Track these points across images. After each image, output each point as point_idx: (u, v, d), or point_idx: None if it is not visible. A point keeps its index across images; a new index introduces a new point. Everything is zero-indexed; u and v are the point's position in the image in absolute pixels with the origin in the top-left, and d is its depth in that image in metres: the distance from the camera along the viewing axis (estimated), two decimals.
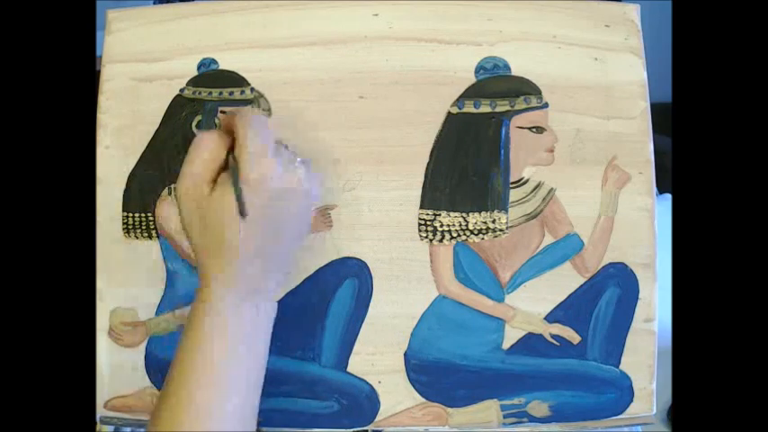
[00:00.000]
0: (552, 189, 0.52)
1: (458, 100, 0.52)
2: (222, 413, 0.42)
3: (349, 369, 0.52)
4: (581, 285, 0.52)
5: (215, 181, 0.43)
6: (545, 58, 0.52)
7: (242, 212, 0.41)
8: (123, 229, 0.53)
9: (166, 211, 0.53)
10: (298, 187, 0.43)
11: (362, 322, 0.52)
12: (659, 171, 0.52)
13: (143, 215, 0.53)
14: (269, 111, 0.52)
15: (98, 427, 0.54)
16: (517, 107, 0.52)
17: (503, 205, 0.52)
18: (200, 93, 0.53)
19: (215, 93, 0.53)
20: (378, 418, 0.53)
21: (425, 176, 0.52)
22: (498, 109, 0.52)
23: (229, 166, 0.43)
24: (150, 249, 0.53)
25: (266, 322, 0.45)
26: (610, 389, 0.52)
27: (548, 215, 0.52)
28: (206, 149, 0.43)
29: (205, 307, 0.43)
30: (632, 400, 0.52)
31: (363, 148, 0.52)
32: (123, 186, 0.53)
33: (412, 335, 0.52)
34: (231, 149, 0.43)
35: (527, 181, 0.52)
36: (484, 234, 0.52)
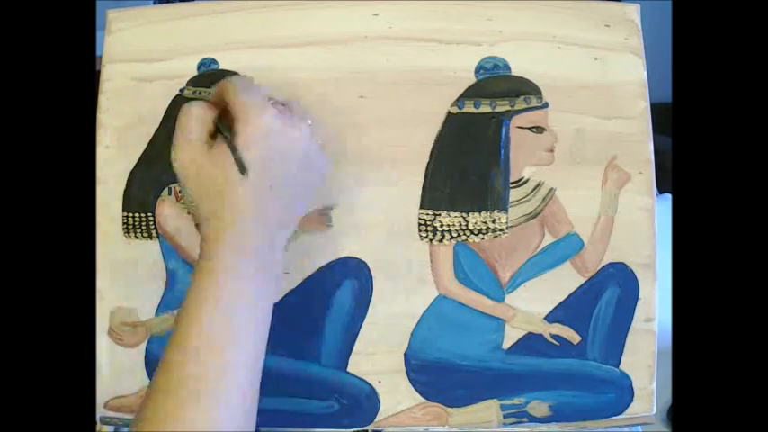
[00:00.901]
0: (552, 189, 0.52)
1: (458, 100, 0.52)
2: (231, 364, 0.41)
3: (349, 369, 0.52)
4: (581, 285, 0.52)
5: (209, 144, 0.42)
6: (545, 58, 0.52)
7: (242, 170, 0.40)
8: (123, 229, 0.53)
9: (166, 211, 0.53)
10: (296, 143, 0.43)
11: (362, 322, 0.52)
12: (659, 171, 0.52)
13: (143, 215, 0.53)
14: None
15: (98, 427, 0.54)
16: (517, 107, 0.52)
17: (503, 205, 0.52)
18: (200, 93, 0.53)
19: None
20: (378, 418, 0.53)
21: (425, 176, 0.52)
22: (498, 109, 0.52)
23: (222, 131, 0.42)
24: (150, 249, 0.53)
25: (272, 283, 0.44)
26: (610, 389, 0.52)
27: (548, 215, 0.52)
28: (194, 115, 0.43)
29: (206, 268, 0.42)
30: (632, 400, 0.52)
31: (363, 148, 0.52)
32: (123, 186, 0.53)
33: (412, 335, 0.52)
34: (220, 119, 0.43)
35: (527, 181, 0.52)
36: (484, 234, 0.52)
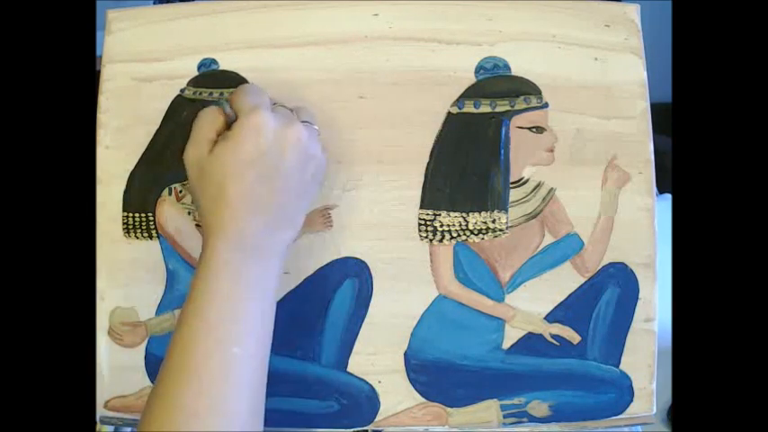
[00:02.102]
0: (552, 189, 0.52)
1: (458, 100, 0.52)
2: (237, 360, 0.41)
3: (349, 369, 0.52)
4: (581, 285, 0.52)
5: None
6: (545, 58, 0.52)
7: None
8: (123, 229, 0.53)
9: (166, 211, 0.53)
10: (295, 142, 0.44)
11: (362, 322, 0.52)
12: (659, 171, 0.52)
13: (143, 215, 0.53)
14: None
15: (98, 427, 0.54)
16: (517, 107, 0.52)
17: (503, 205, 0.52)
18: (200, 93, 0.53)
19: (215, 93, 0.53)
20: (378, 418, 0.53)
21: (425, 176, 0.52)
22: (498, 109, 0.52)
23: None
24: (150, 249, 0.53)
25: (273, 280, 0.44)
26: (610, 389, 0.52)
27: (548, 215, 0.52)
28: (205, 118, 0.44)
29: (207, 266, 0.42)
30: (632, 400, 0.52)
31: (363, 148, 0.52)
32: (123, 186, 0.53)
33: (412, 335, 0.52)
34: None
35: (527, 181, 0.52)
36: (484, 234, 0.52)
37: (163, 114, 0.53)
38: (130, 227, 0.53)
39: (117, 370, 0.53)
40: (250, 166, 0.42)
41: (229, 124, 0.44)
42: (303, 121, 0.46)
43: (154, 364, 0.53)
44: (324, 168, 0.48)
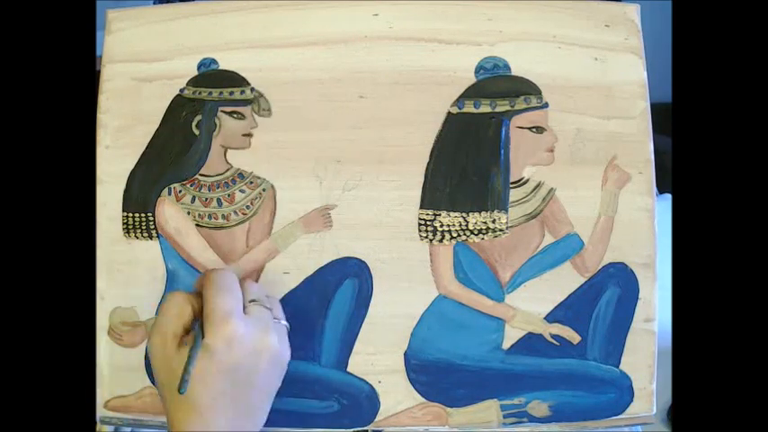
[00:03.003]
0: (552, 189, 0.52)
1: (458, 100, 0.52)
2: None
3: (349, 369, 0.52)
4: (581, 285, 0.52)
5: (185, 336, 0.44)
6: (545, 58, 0.52)
7: (179, 388, 0.41)
8: (123, 229, 0.53)
9: (166, 211, 0.53)
10: (269, 355, 0.44)
11: (362, 322, 0.52)
12: (659, 171, 0.52)
13: (143, 215, 0.53)
14: (269, 111, 0.52)
15: (98, 427, 0.54)
16: (517, 107, 0.52)
17: (503, 205, 0.52)
18: (200, 93, 0.53)
19: (215, 93, 0.53)
20: (378, 418, 0.53)
21: (425, 176, 0.52)
22: (498, 109, 0.52)
23: (194, 330, 0.43)
24: (150, 249, 0.53)
25: None
26: (610, 389, 0.52)
27: (548, 215, 0.52)
28: (173, 306, 0.44)
29: None
30: (632, 400, 0.52)
31: (363, 148, 0.52)
32: (123, 186, 0.53)
33: (412, 335, 0.52)
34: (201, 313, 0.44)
35: (527, 181, 0.52)
36: (484, 234, 0.52)
37: (163, 114, 0.53)
38: (130, 227, 0.53)
39: (117, 370, 0.53)
40: (221, 376, 0.42)
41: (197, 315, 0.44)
42: (274, 318, 0.46)
43: None
44: (286, 365, 0.47)
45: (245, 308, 0.45)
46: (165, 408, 0.44)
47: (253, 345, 0.43)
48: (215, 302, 0.43)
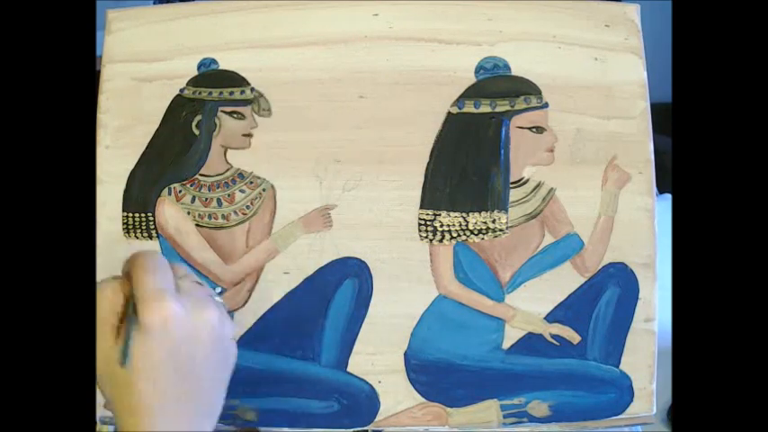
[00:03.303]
0: (552, 189, 0.52)
1: (458, 100, 0.52)
2: None
3: (349, 369, 0.52)
4: (581, 285, 0.52)
5: (121, 326, 0.41)
6: (545, 58, 0.52)
7: (121, 361, 0.39)
8: (123, 229, 0.53)
9: (166, 211, 0.53)
10: (209, 328, 0.41)
11: (362, 322, 0.52)
12: (659, 171, 0.52)
13: (143, 215, 0.53)
14: (269, 111, 0.52)
15: (98, 427, 0.53)
16: (517, 107, 0.52)
17: (503, 205, 0.52)
18: (200, 93, 0.53)
19: (215, 93, 0.53)
20: (378, 418, 0.53)
21: (425, 176, 0.52)
22: (498, 109, 0.52)
23: (128, 315, 0.41)
24: (150, 249, 0.53)
25: None
26: (610, 389, 0.52)
27: (548, 215, 0.52)
28: (103, 299, 0.41)
29: None
30: (632, 400, 0.52)
31: (363, 148, 0.52)
32: (123, 186, 0.53)
33: (412, 335, 0.52)
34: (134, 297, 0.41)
35: (527, 181, 0.52)
36: (484, 234, 0.52)
37: (163, 114, 0.53)
38: (130, 227, 0.53)
39: None
40: (163, 364, 0.39)
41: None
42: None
43: None
44: (234, 348, 0.44)
45: (176, 287, 0.42)
46: (112, 410, 0.41)
47: (191, 321, 0.40)
48: (145, 283, 0.40)
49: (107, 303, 0.41)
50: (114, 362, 0.40)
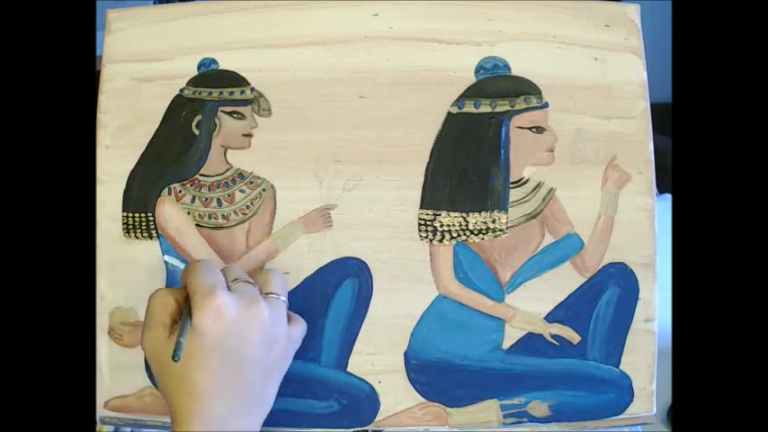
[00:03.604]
0: (552, 189, 0.52)
1: (458, 100, 0.52)
2: None
3: (349, 369, 0.52)
4: (581, 285, 0.52)
5: (173, 326, 0.44)
6: (545, 58, 0.52)
7: (173, 356, 0.41)
8: (123, 229, 0.53)
9: (166, 211, 0.53)
10: (257, 324, 0.43)
11: (362, 322, 0.52)
12: (659, 171, 0.52)
13: (143, 215, 0.53)
14: (269, 110, 0.52)
15: (98, 427, 0.54)
16: (517, 107, 0.52)
17: (503, 205, 0.52)
18: (200, 93, 0.53)
19: (215, 93, 0.53)
20: (378, 418, 0.53)
21: (425, 176, 0.52)
22: (498, 109, 0.52)
23: (183, 316, 0.43)
24: (150, 249, 0.53)
25: None
26: (610, 389, 0.52)
27: (548, 215, 0.52)
28: (156, 302, 0.44)
29: None
30: (632, 400, 0.52)
31: (363, 148, 0.52)
32: (123, 186, 0.53)
33: (412, 335, 0.52)
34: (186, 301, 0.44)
35: (527, 181, 0.52)
36: (484, 234, 0.52)
37: (163, 114, 0.53)
38: (130, 227, 0.53)
39: (117, 370, 0.53)
40: (212, 352, 0.42)
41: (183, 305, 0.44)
42: (269, 294, 0.46)
43: None
44: (297, 342, 0.48)
45: (229, 288, 0.45)
46: (168, 402, 0.44)
47: (239, 314, 0.43)
48: (197, 282, 0.43)
49: (159, 305, 0.44)
50: (167, 357, 0.42)
